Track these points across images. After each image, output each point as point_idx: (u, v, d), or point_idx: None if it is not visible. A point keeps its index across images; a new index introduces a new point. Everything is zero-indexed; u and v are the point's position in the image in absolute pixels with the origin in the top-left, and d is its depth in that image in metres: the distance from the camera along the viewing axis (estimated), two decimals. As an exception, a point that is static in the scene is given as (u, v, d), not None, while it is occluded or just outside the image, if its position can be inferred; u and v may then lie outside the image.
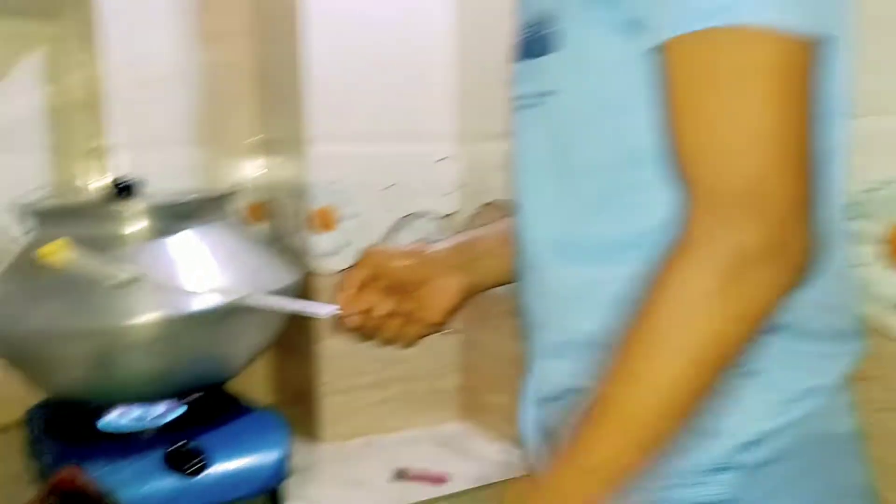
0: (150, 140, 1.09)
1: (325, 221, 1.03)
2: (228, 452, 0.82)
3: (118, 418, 0.88)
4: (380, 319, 0.69)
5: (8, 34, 1.07)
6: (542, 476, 0.49)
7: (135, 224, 0.85)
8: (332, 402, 1.05)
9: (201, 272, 0.85)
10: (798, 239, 0.44)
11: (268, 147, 1.16)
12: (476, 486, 0.90)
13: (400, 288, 0.70)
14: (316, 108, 1.01)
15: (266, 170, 1.18)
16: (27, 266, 0.85)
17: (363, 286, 0.69)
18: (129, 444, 0.82)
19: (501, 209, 1.02)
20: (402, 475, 0.92)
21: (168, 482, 0.78)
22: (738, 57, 0.43)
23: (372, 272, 0.69)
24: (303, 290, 0.98)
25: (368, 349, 0.72)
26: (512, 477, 0.91)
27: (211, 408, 0.90)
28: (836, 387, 0.53)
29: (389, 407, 1.09)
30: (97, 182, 1.12)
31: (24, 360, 0.86)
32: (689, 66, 0.45)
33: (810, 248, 0.45)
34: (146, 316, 0.78)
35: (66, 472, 0.74)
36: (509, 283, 0.73)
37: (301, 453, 1.00)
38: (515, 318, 0.85)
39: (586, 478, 0.47)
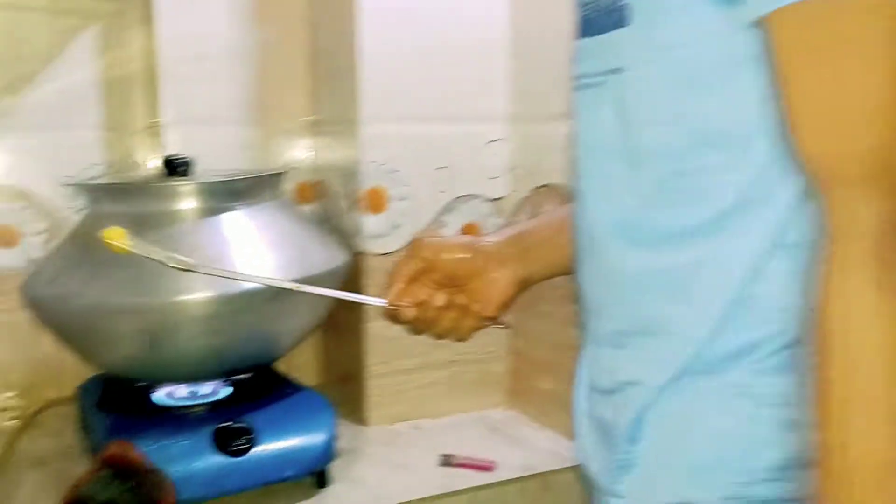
0: (202, 118, 1.09)
1: (375, 203, 1.01)
2: (276, 432, 0.82)
3: (167, 395, 0.88)
4: (435, 312, 0.67)
5: (65, 10, 1.07)
6: None
7: (186, 202, 0.85)
8: (378, 385, 1.04)
9: (251, 251, 0.85)
10: None
11: (319, 127, 1.15)
12: (523, 475, 0.89)
13: (452, 280, 0.69)
14: (368, 89, 0.99)
15: (317, 150, 1.17)
16: (80, 243, 0.86)
17: (414, 278, 0.68)
18: (178, 421, 0.83)
19: (555, 193, 1.00)
20: (448, 461, 0.91)
21: (215, 460, 0.79)
22: (855, 26, 0.41)
23: (423, 264, 0.68)
24: (352, 271, 0.97)
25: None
26: (560, 467, 0.90)
27: (259, 387, 0.90)
28: None
29: (436, 390, 1.08)
30: (151, 159, 1.12)
31: (76, 335, 0.87)
32: (801, 38, 0.42)
33: None
34: (198, 294, 0.78)
35: (118, 446, 0.74)
36: (564, 274, 0.71)
37: (347, 435, 0.99)
38: (570, 305, 0.83)
39: None
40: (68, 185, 1.06)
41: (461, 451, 0.94)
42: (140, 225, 0.83)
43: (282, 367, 0.99)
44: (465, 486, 0.86)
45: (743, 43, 0.45)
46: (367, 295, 1.00)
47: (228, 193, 0.87)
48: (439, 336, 0.69)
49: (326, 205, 1.14)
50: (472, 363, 1.10)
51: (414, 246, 0.69)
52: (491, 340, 1.10)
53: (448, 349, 1.07)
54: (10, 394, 1.09)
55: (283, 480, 0.82)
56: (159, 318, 0.80)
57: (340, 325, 1.10)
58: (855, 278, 0.42)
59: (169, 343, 0.83)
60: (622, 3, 0.49)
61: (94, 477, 0.73)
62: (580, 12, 0.56)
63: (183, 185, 0.85)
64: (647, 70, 0.50)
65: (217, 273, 0.75)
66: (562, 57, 0.64)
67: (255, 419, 0.82)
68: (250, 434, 0.80)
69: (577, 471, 0.65)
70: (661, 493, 0.53)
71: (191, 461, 0.78)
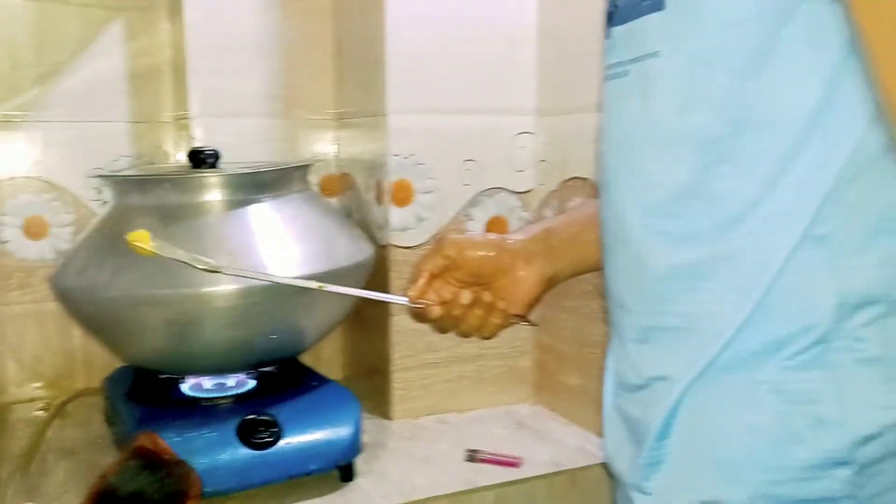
0: (228, 110, 1.09)
1: (401, 196, 1.01)
2: (301, 426, 0.82)
3: (192, 387, 0.88)
4: (461, 310, 0.66)
5: (93, 2, 1.08)
6: None
7: (212, 194, 0.85)
8: (404, 379, 1.04)
9: (277, 244, 0.84)
10: None
11: (345, 120, 1.15)
12: (550, 471, 0.88)
13: (477, 278, 0.68)
14: (395, 81, 0.99)
15: (342, 143, 1.17)
16: (107, 234, 0.86)
17: (437, 276, 0.67)
18: (204, 413, 0.82)
19: (583, 186, 0.98)
20: (474, 456, 0.90)
21: (240, 453, 0.78)
22: None
23: (447, 262, 0.67)
24: (377, 264, 0.97)
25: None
26: (588, 464, 0.89)
27: (284, 380, 0.90)
28: None
29: (462, 385, 1.07)
30: (179, 151, 1.13)
31: (104, 327, 0.87)
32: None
33: None
34: (224, 286, 0.78)
35: (146, 437, 0.74)
36: (592, 270, 0.70)
37: (372, 429, 0.99)
38: (596, 300, 0.83)
39: None
40: (95, 177, 1.07)
41: (487, 446, 0.93)
42: (166, 217, 0.83)
43: (307, 360, 0.99)
44: (491, 482, 0.85)
45: (784, 26, 0.44)
46: (391, 288, 1.00)
47: (254, 185, 0.86)
48: (465, 334, 0.68)
49: (351, 197, 1.14)
50: (498, 358, 1.09)
51: (438, 243, 0.68)
52: (517, 335, 1.09)
53: (474, 344, 1.06)
54: (38, 384, 1.10)
55: (308, 474, 0.81)
56: (186, 310, 0.79)
57: (366, 318, 1.10)
58: None
59: (195, 335, 0.83)
60: None
61: (122, 467, 0.73)
62: (612, 1, 0.55)
63: (209, 177, 0.85)
64: (684, 55, 0.48)
65: (242, 274, 0.75)
66: (590, 48, 0.63)
67: (280, 412, 0.82)
68: (275, 427, 0.80)
69: (605, 468, 0.64)
70: (690, 491, 0.52)
71: (215, 453, 0.77)
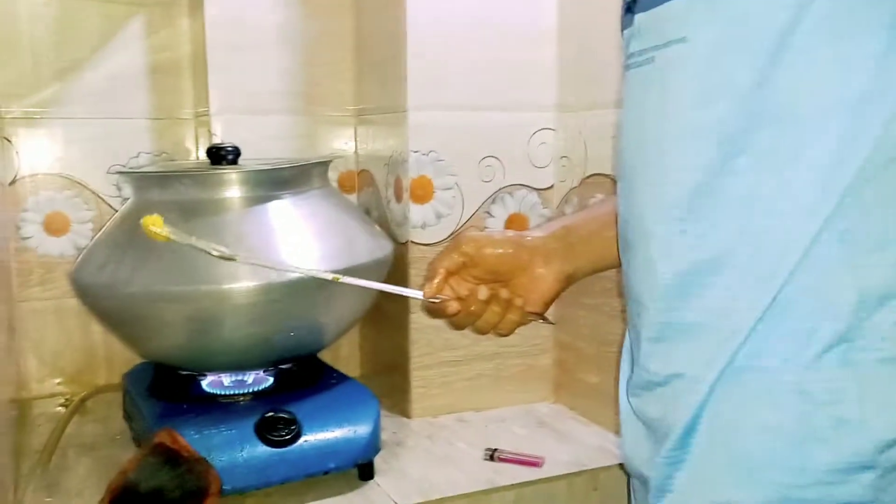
0: (248, 107, 1.09)
1: (421, 192, 1.00)
2: (320, 424, 0.82)
3: (212, 383, 0.88)
4: (478, 306, 0.66)
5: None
6: None
7: (231, 191, 0.84)
8: (423, 376, 1.03)
9: (297, 240, 0.84)
10: None
11: (364, 117, 1.14)
12: (571, 471, 0.87)
13: (494, 276, 0.67)
14: (415, 78, 0.98)
15: (362, 139, 1.16)
16: (127, 231, 0.86)
17: (454, 273, 0.67)
18: (223, 410, 0.82)
19: (603, 182, 0.97)
20: (494, 455, 0.89)
21: (259, 450, 0.78)
22: None
23: (464, 259, 0.66)
24: (397, 261, 0.96)
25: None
26: (609, 464, 0.88)
27: (304, 378, 0.90)
28: None
29: (481, 383, 1.06)
30: (199, 148, 1.13)
31: (124, 323, 0.87)
32: None
33: None
34: (243, 282, 0.78)
35: (166, 434, 0.74)
36: (610, 268, 0.69)
37: (391, 427, 0.98)
38: (616, 297, 0.82)
39: None
40: (116, 173, 1.07)
41: (507, 445, 0.93)
42: (186, 213, 0.83)
43: (326, 357, 0.99)
44: (511, 482, 0.84)
45: (806, 14, 0.43)
46: (410, 285, 1.00)
47: (274, 182, 0.86)
48: (481, 331, 0.68)
49: (370, 194, 1.13)
50: (517, 356, 1.08)
51: (456, 240, 0.68)
52: (536, 333, 1.08)
53: (493, 341, 1.06)
54: (58, 380, 1.10)
55: (327, 472, 0.81)
56: (205, 307, 0.79)
57: (385, 316, 1.09)
58: None
59: (215, 331, 0.83)
60: None
61: (142, 464, 0.73)
62: None
63: (228, 174, 0.85)
64: (710, 41, 0.47)
65: (257, 263, 0.74)
66: (611, 44, 0.62)
67: (299, 410, 0.81)
68: (294, 424, 0.80)
69: (623, 467, 0.63)
70: (710, 492, 0.51)
71: (234, 451, 0.77)
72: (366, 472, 0.84)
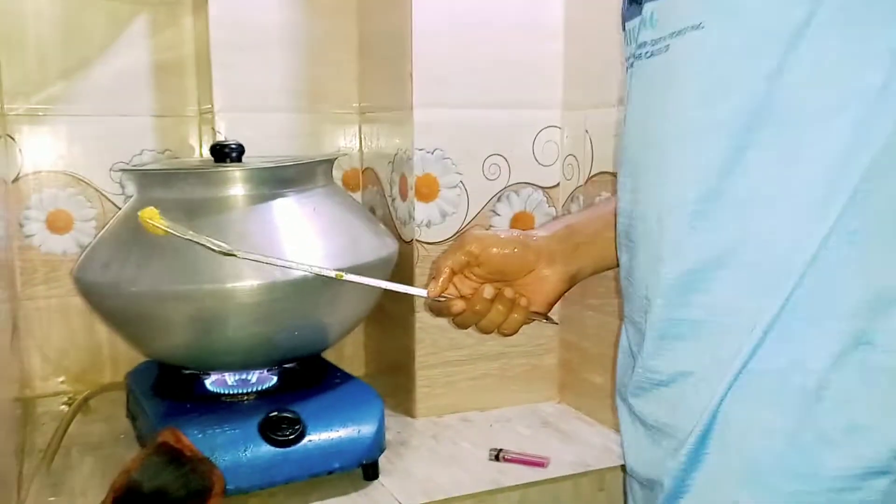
0: (252, 105, 1.08)
1: (426, 191, 1.00)
2: (324, 423, 0.81)
3: (216, 383, 0.88)
4: (483, 305, 0.65)
5: (117, -4, 1.08)
6: None
7: (235, 189, 0.84)
8: (427, 376, 1.03)
9: (301, 239, 0.83)
10: None
11: (369, 114, 1.14)
12: (577, 472, 0.86)
13: (499, 275, 0.67)
14: (420, 75, 0.97)
15: (366, 137, 1.16)
16: (131, 229, 0.86)
17: (459, 272, 0.67)
18: (227, 409, 0.82)
19: (609, 181, 0.97)
20: (499, 456, 0.89)
21: (263, 450, 0.78)
22: None
23: (468, 258, 0.66)
24: (401, 260, 0.96)
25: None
26: (615, 465, 0.87)
27: (308, 377, 0.89)
28: None
29: (486, 383, 1.06)
30: (203, 145, 1.12)
31: (126, 321, 0.87)
32: None
33: None
34: (247, 281, 0.77)
35: (169, 433, 0.74)
36: (614, 267, 0.69)
37: (395, 427, 0.98)
38: (620, 297, 0.81)
39: None
40: (119, 171, 1.07)
41: (512, 445, 0.92)
42: (190, 211, 0.82)
43: (330, 356, 0.98)
44: (516, 483, 0.83)
45: (830, 3, 0.42)
46: (415, 284, 0.99)
47: (278, 180, 0.85)
48: (485, 330, 0.67)
49: (375, 193, 1.13)
50: (522, 356, 1.07)
51: (461, 239, 0.67)
52: (541, 333, 1.07)
53: (498, 341, 1.05)
54: (62, 378, 1.10)
55: (331, 472, 0.80)
56: (209, 306, 0.79)
57: (389, 315, 1.09)
58: None
59: (218, 331, 0.82)
60: None
61: (145, 463, 0.73)
62: None
63: (232, 172, 0.84)
64: (727, 27, 0.46)
65: (257, 258, 0.74)
66: (617, 42, 0.61)
67: (303, 409, 0.81)
68: (298, 424, 0.79)
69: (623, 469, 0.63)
70: (726, 496, 0.50)
71: (238, 450, 0.77)
72: (370, 472, 0.84)
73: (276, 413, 0.80)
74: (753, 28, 0.45)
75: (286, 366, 0.89)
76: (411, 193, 1.00)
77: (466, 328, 0.69)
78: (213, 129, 1.06)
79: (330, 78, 1.14)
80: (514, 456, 0.89)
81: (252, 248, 0.80)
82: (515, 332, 0.68)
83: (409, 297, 0.97)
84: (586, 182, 1.01)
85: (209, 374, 0.88)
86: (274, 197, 0.84)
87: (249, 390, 0.86)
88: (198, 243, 0.68)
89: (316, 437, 0.80)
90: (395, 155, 1.05)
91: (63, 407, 1.05)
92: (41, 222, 1.07)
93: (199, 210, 0.83)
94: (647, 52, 0.52)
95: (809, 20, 0.43)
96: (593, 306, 1.01)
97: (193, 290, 0.78)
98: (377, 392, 0.87)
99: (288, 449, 0.78)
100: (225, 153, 0.88)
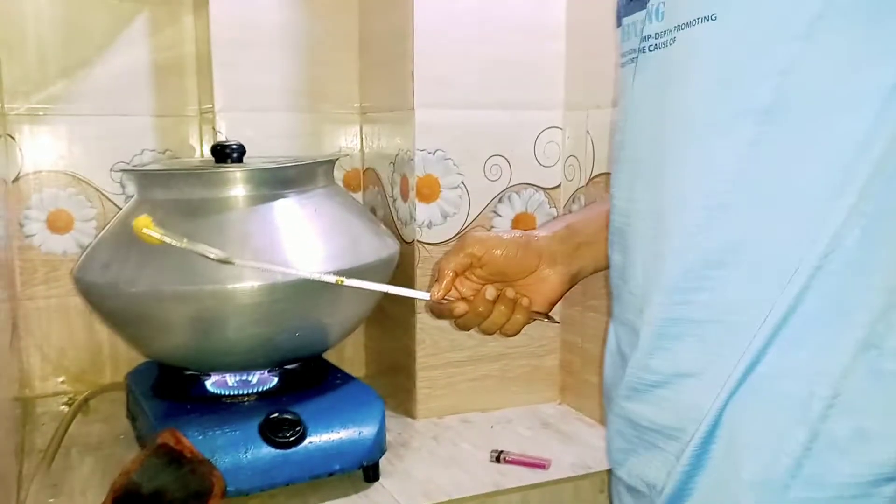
0: (253, 104, 1.08)
1: (427, 191, 0.99)
2: (325, 425, 0.81)
3: (216, 384, 0.87)
4: (485, 306, 0.65)
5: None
6: None
7: (236, 189, 0.84)
8: (428, 377, 1.03)
9: (302, 240, 0.83)
10: None
11: (370, 115, 1.14)
12: (578, 474, 0.86)
13: (501, 276, 0.67)
14: (421, 75, 0.97)
15: (367, 138, 1.16)
16: (130, 229, 0.85)
17: (461, 274, 0.66)
18: (227, 410, 0.82)
19: (609, 182, 0.96)
20: (500, 457, 0.89)
21: (264, 451, 0.77)
22: None
23: (471, 260, 0.66)
24: (402, 261, 0.96)
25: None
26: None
27: (308, 378, 0.89)
28: None
29: (487, 384, 1.05)
30: (204, 145, 1.12)
31: (126, 322, 0.86)
32: None
33: None
34: (247, 282, 0.77)
35: (169, 434, 0.73)
36: None
37: (395, 428, 0.98)
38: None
39: None
40: (119, 171, 1.07)
41: (512, 446, 0.92)
42: (190, 211, 0.82)
43: (331, 358, 0.98)
44: (517, 484, 0.83)
45: None
46: (416, 285, 0.99)
47: (279, 181, 0.85)
48: (488, 331, 0.67)
49: (376, 193, 1.12)
50: (523, 357, 1.07)
51: (462, 241, 0.67)
52: (542, 334, 1.07)
53: (498, 342, 1.05)
54: (62, 378, 1.10)
55: (332, 474, 0.80)
56: (210, 306, 0.79)
57: (390, 316, 1.08)
58: None
59: (219, 332, 0.82)
60: None
61: (145, 464, 0.72)
62: None
63: (233, 172, 0.84)
64: (743, 19, 0.45)
65: (253, 265, 0.73)
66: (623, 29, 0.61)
67: (303, 410, 0.81)
68: (299, 426, 0.79)
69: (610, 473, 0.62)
70: (727, 503, 0.49)
71: (238, 451, 0.76)
72: (371, 473, 0.83)
73: (276, 414, 0.79)
74: (768, 21, 0.44)
75: (287, 367, 0.89)
76: (412, 194, 0.99)
77: (468, 329, 0.68)
78: (213, 129, 1.06)
79: (331, 78, 1.13)
80: (514, 457, 0.89)
81: (253, 249, 0.80)
82: (518, 332, 0.68)
83: (409, 298, 0.97)
84: (588, 183, 1.01)
85: (209, 375, 0.88)
86: (275, 198, 0.84)
87: (250, 391, 0.86)
88: (194, 252, 0.66)
89: (316, 439, 0.80)
90: (397, 155, 1.04)
91: (63, 407, 1.05)
92: (41, 222, 1.06)
93: (199, 210, 0.83)
94: (651, 46, 0.51)
95: (824, 13, 0.42)
96: (594, 307, 1.01)
97: (194, 291, 0.77)
98: (378, 393, 0.86)
99: (288, 450, 0.78)
100: (226, 153, 0.88)
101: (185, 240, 0.66)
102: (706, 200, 0.48)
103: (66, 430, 0.96)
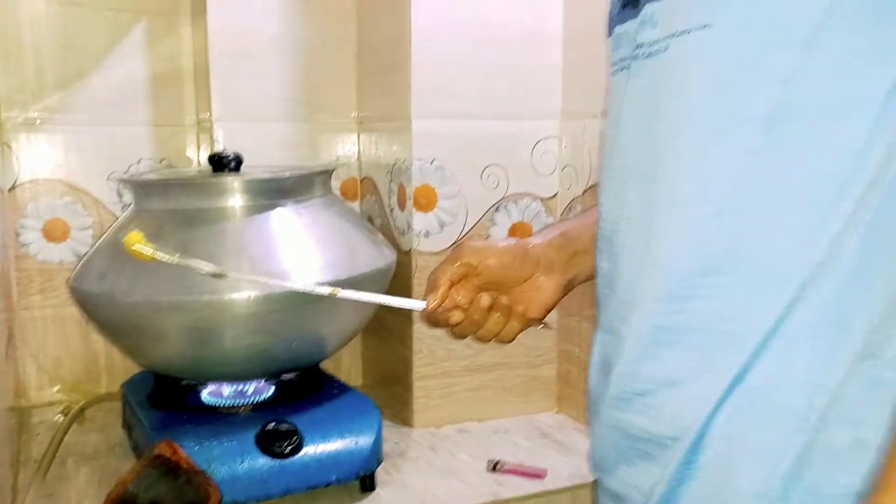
0: (250, 114, 1.08)
1: (424, 201, 0.99)
2: (321, 435, 0.81)
3: (212, 394, 0.87)
4: (480, 314, 0.65)
5: (114, 7, 1.07)
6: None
7: (232, 199, 0.84)
8: (425, 386, 1.02)
9: (299, 249, 0.83)
10: None
11: (367, 124, 1.14)
12: (575, 484, 0.86)
13: (496, 285, 0.67)
14: (419, 85, 0.97)
15: (365, 147, 1.16)
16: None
17: (456, 282, 0.66)
18: (223, 420, 0.81)
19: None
20: (497, 467, 0.88)
21: (260, 462, 0.77)
22: None
23: (466, 269, 0.66)
24: (399, 270, 0.96)
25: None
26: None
27: (305, 388, 0.89)
28: None
29: (484, 394, 1.05)
30: (201, 155, 1.12)
31: (122, 332, 0.86)
32: None
33: None
34: (244, 292, 0.77)
35: (165, 445, 0.73)
36: None
37: (392, 438, 0.98)
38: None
39: None
40: (116, 180, 1.07)
41: (509, 456, 0.92)
42: (187, 221, 0.82)
43: (328, 367, 0.98)
44: (514, 495, 0.83)
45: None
46: (413, 295, 0.99)
47: (275, 191, 0.85)
48: (483, 339, 0.67)
49: (373, 202, 1.13)
50: (520, 366, 1.07)
51: (457, 250, 0.67)
52: (539, 344, 1.07)
53: (496, 352, 1.05)
54: (58, 388, 1.09)
55: (328, 484, 0.80)
56: (206, 316, 0.79)
57: (387, 326, 1.08)
58: None
59: (215, 341, 0.82)
60: None
61: (141, 475, 0.72)
62: None
63: (229, 182, 0.84)
64: (740, 27, 0.45)
65: (247, 278, 0.73)
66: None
67: (300, 420, 0.81)
68: (296, 436, 0.79)
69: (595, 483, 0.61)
70: None
71: (235, 462, 0.76)
72: (368, 483, 0.83)
73: (272, 425, 0.79)
74: (766, 30, 0.44)
75: (283, 377, 0.88)
76: (409, 203, 0.99)
77: (464, 338, 0.68)
78: (211, 138, 1.06)
79: (328, 87, 1.14)
80: (511, 467, 0.88)
81: (249, 259, 0.80)
82: (513, 339, 0.68)
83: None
84: (584, 192, 1.01)
85: (206, 385, 0.88)
86: (272, 207, 0.84)
87: (246, 401, 0.86)
88: (187, 266, 0.66)
89: (313, 449, 0.80)
90: (394, 165, 1.04)
91: (59, 417, 1.04)
92: (38, 231, 1.06)
93: (196, 220, 0.83)
94: (644, 53, 0.51)
95: (826, 22, 0.42)
96: (591, 317, 1.00)
97: (190, 301, 0.77)
98: (374, 403, 0.86)
99: (285, 461, 0.78)
100: (223, 163, 0.88)
101: (177, 255, 0.65)
102: (702, 209, 0.48)
103: (61, 440, 0.96)
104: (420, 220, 1.00)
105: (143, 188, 0.89)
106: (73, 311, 1.06)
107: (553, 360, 1.09)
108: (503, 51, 1.01)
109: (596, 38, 0.98)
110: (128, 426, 0.95)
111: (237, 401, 0.86)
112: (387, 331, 1.09)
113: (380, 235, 0.97)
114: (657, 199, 0.51)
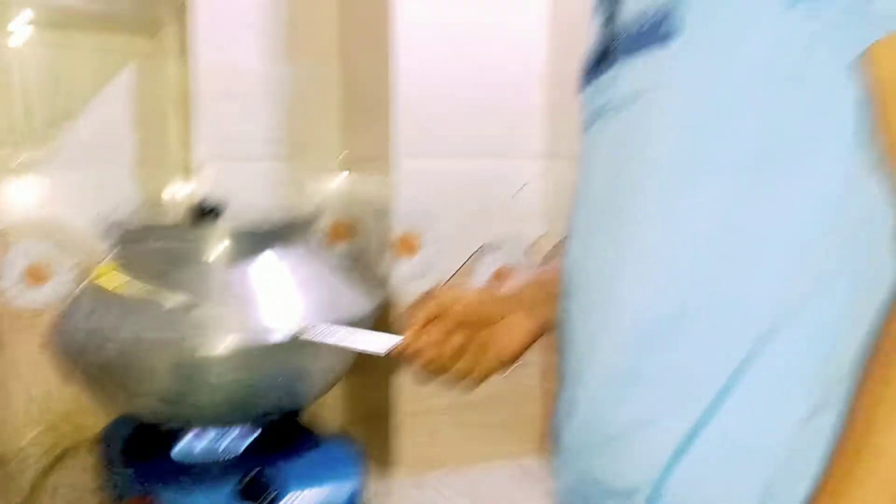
0: (235, 155, 1.08)
1: (409, 246, 0.99)
2: (302, 484, 0.81)
3: (191, 443, 0.87)
4: (452, 354, 0.65)
5: (102, 49, 1.08)
6: None
7: (216, 246, 0.84)
8: (409, 424, 1.02)
9: (281, 296, 0.83)
10: None
11: (353, 164, 1.14)
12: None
13: (469, 325, 0.67)
14: (403, 126, 0.98)
15: (349, 188, 1.16)
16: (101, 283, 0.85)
17: (430, 322, 0.66)
18: (201, 471, 0.81)
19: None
20: (478, 513, 0.88)
21: (238, 514, 0.77)
22: None
23: (438, 310, 0.66)
24: (382, 313, 0.96)
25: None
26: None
27: (284, 437, 0.89)
28: None
29: (468, 433, 1.05)
30: (184, 197, 1.12)
31: (107, 373, 0.86)
32: None
33: None
34: (221, 339, 0.77)
35: (138, 502, 0.73)
36: None
37: (375, 479, 0.97)
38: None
39: None
40: (99, 224, 1.06)
41: (493, 497, 0.91)
42: (169, 266, 0.82)
43: (308, 407, 0.97)
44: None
45: (815, 56, 0.42)
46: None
47: (259, 238, 0.86)
48: (454, 379, 0.67)
49: (358, 244, 1.13)
50: (504, 405, 1.07)
51: (430, 292, 0.67)
52: (523, 383, 1.07)
53: (479, 391, 1.04)
54: (40, 429, 1.09)
55: (309, 534, 0.80)
56: (192, 352, 0.79)
57: (368, 364, 1.08)
58: None
59: (200, 378, 0.82)
60: (668, 16, 0.46)
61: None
62: (606, 34, 0.53)
63: (213, 229, 0.84)
64: (702, 84, 0.46)
65: (219, 314, 0.73)
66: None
67: (280, 470, 0.80)
68: (275, 488, 0.78)
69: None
70: None
71: (214, 515, 0.76)
72: (348, 533, 0.83)
73: (251, 476, 0.79)
74: (739, 85, 0.45)
75: (263, 424, 0.88)
76: (394, 246, 1.00)
77: (437, 377, 0.68)
78: (195, 178, 1.06)
79: (313, 128, 1.14)
80: (494, 514, 0.88)
81: (230, 304, 0.80)
82: (485, 380, 0.68)
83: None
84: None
85: (186, 431, 0.87)
86: (254, 254, 0.84)
87: (225, 449, 0.86)
88: (153, 300, 0.66)
89: (293, 499, 0.79)
90: (379, 207, 1.04)
91: (41, 458, 1.04)
92: (21, 272, 1.06)
93: (178, 265, 0.83)
94: (615, 105, 0.51)
95: (805, 67, 0.43)
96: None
97: (177, 338, 0.77)
98: (356, 448, 0.86)
99: (264, 512, 0.78)
100: (207, 210, 0.88)
101: (147, 287, 0.66)
102: (672, 254, 0.48)
103: (44, 482, 0.95)
104: (405, 264, 1.00)
105: (127, 232, 0.89)
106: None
107: (537, 398, 1.09)
108: (487, 91, 1.02)
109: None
110: (106, 475, 0.94)
111: (217, 445, 0.86)
112: (369, 369, 1.09)
113: (363, 281, 0.97)
114: (624, 245, 0.51)
